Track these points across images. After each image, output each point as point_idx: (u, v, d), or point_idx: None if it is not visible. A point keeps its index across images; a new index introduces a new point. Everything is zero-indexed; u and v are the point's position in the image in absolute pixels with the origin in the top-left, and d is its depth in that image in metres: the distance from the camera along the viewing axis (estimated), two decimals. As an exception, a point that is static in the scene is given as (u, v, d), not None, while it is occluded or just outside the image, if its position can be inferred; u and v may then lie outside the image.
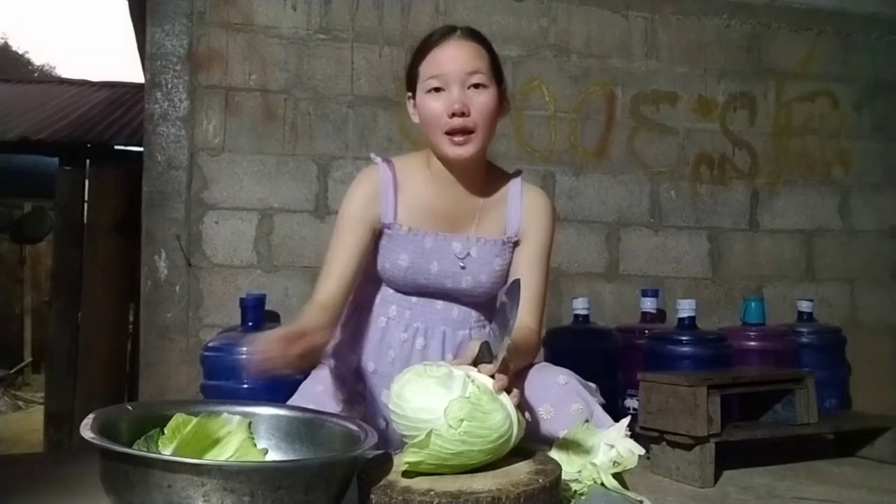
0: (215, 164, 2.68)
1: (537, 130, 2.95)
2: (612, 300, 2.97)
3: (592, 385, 1.64)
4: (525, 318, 1.56)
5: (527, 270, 1.61)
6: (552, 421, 1.49)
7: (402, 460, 1.15)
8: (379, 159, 1.63)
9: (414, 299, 1.64)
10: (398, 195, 1.60)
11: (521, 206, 1.64)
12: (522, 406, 1.30)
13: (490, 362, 1.22)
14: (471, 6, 2.86)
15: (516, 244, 1.64)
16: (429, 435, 1.09)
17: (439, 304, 1.63)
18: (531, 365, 1.61)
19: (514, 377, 1.26)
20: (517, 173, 1.69)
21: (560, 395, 1.53)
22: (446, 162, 1.56)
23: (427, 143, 1.58)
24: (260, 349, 1.19)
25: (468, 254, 1.60)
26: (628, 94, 3.04)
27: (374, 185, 1.60)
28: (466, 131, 1.49)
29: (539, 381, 1.55)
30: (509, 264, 1.64)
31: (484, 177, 1.62)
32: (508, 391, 1.20)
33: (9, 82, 8.01)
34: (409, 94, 1.60)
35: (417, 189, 1.61)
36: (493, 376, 1.20)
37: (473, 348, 1.28)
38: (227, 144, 2.69)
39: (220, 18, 2.70)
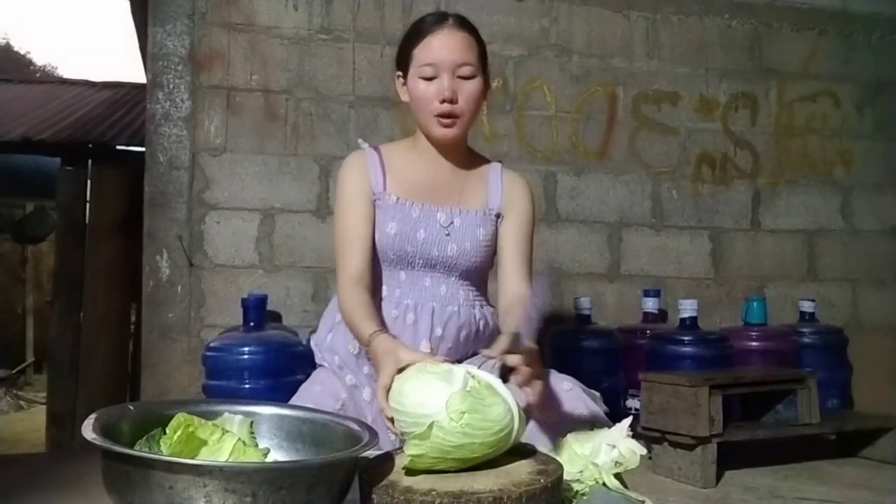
0: (217, 165, 2.68)
1: (539, 130, 2.95)
2: (613, 300, 2.97)
3: (596, 393, 1.68)
4: (519, 286, 1.68)
5: (514, 243, 1.73)
6: (557, 426, 1.51)
7: (404, 457, 1.15)
8: (366, 144, 1.77)
9: (403, 276, 1.70)
10: (385, 171, 1.71)
11: (500, 183, 1.76)
12: (542, 402, 1.33)
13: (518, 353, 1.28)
14: (472, 6, 2.86)
15: (497, 216, 1.75)
16: (430, 427, 1.09)
17: (427, 280, 1.70)
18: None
19: (537, 371, 1.33)
20: (497, 161, 1.83)
21: (564, 400, 1.57)
22: (433, 140, 1.69)
23: (415, 121, 1.71)
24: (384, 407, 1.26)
25: (452, 223, 1.70)
26: (630, 94, 3.03)
27: (362, 164, 1.72)
28: (454, 116, 1.63)
29: None
30: (492, 237, 1.74)
31: (466, 156, 1.76)
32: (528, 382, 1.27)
33: (11, 82, 8.03)
34: (400, 73, 1.71)
35: (403, 166, 1.73)
36: (511, 370, 1.25)
37: (504, 340, 1.33)
38: (229, 145, 2.69)
39: (222, 18, 2.70)
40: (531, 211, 1.78)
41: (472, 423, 1.10)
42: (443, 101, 1.60)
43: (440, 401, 1.12)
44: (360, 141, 1.80)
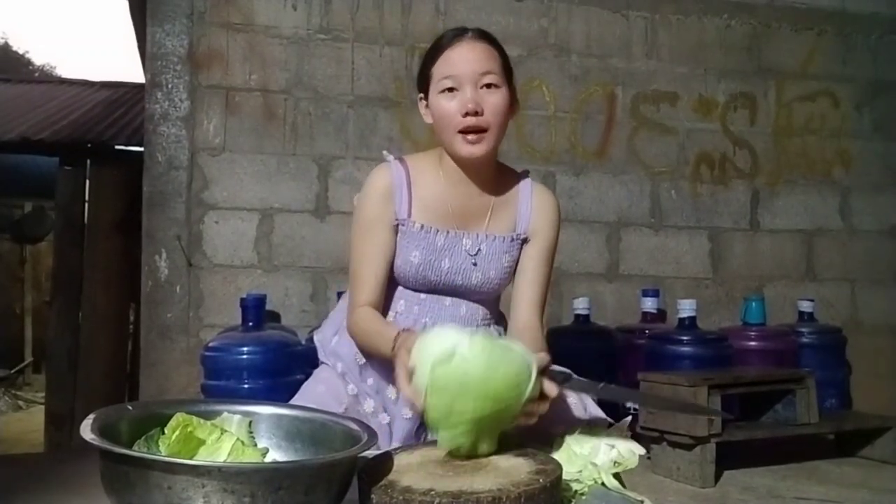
0: (216, 164, 2.68)
1: (538, 130, 2.95)
2: (612, 300, 2.97)
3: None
4: (531, 316, 1.63)
5: (534, 269, 1.66)
6: (551, 417, 1.50)
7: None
8: (391, 157, 1.66)
9: (423, 295, 1.65)
10: (412, 192, 1.62)
11: (530, 204, 1.67)
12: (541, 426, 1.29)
13: (558, 383, 1.26)
14: (471, 6, 2.86)
15: (525, 241, 1.67)
16: (453, 352, 1.11)
17: (448, 300, 1.65)
18: None
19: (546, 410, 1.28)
20: (525, 173, 1.73)
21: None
22: (459, 160, 1.59)
23: (440, 142, 1.60)
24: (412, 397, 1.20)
25: (479, 250, 1.63)
26: (628, 94, 3.04)
27: (387, 183, 1.62)
28: (480, 130, 1.52)
29: None
30: (517, 261, 1.68)
31: (494, 175, 1.65)
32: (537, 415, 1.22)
33: (9, 82, 8.02)
34: (421, 95, 1.61)
35: (430, 186, 1.63)
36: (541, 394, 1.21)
37: (548, 361, 1.29)
38: (228, 144, 2.69)
39: (221, 18, 2.70)
40: (557, 234, 1.70)
41: (495, 354, 1.11)
42: (466, 115, 1.50)
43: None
44: (385, 153, 1.69)
